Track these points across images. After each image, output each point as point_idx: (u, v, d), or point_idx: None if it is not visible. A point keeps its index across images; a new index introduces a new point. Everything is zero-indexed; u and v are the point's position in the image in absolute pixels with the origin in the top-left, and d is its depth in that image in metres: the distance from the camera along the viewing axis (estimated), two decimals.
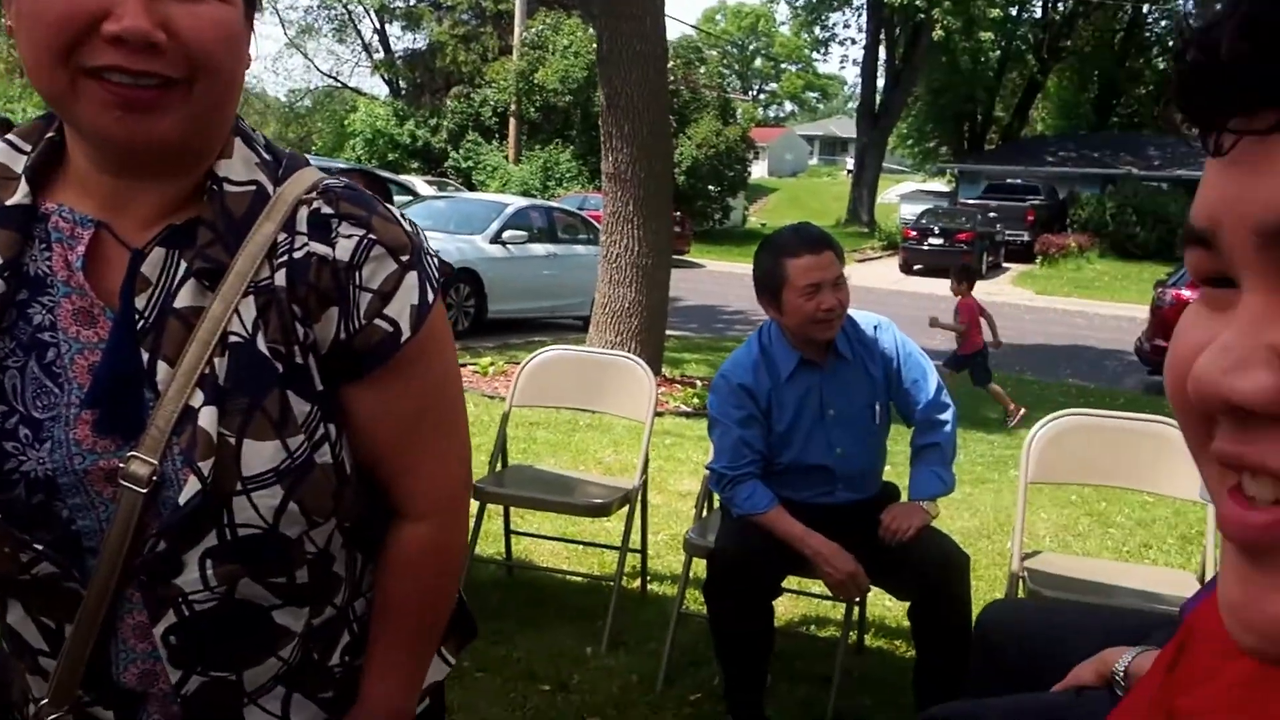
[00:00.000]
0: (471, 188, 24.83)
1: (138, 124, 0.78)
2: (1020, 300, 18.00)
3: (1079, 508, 5.11)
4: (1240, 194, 0.35)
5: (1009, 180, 25.83)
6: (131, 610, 0.87)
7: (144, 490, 0.82)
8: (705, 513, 3.23)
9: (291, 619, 0.92)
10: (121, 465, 0.83)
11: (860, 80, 31.72)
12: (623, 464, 4.99)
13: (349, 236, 0.87)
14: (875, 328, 2.71)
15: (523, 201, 12.50)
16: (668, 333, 8.51)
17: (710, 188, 25.68)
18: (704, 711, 2.79)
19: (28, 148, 0.88)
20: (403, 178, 19.08)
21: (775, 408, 2.61)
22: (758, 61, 68.17)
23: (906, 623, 2.67)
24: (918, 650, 2.61)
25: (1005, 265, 23.30)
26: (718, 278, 18.78)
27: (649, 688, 2.90)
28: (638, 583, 3.65)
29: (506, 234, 10.79)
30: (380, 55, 33.99)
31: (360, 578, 1.00)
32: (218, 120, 0.85)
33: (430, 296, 0.91)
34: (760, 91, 71.21)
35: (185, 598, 0.86)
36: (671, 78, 23.91)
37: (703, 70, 29.57)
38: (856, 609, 3.09)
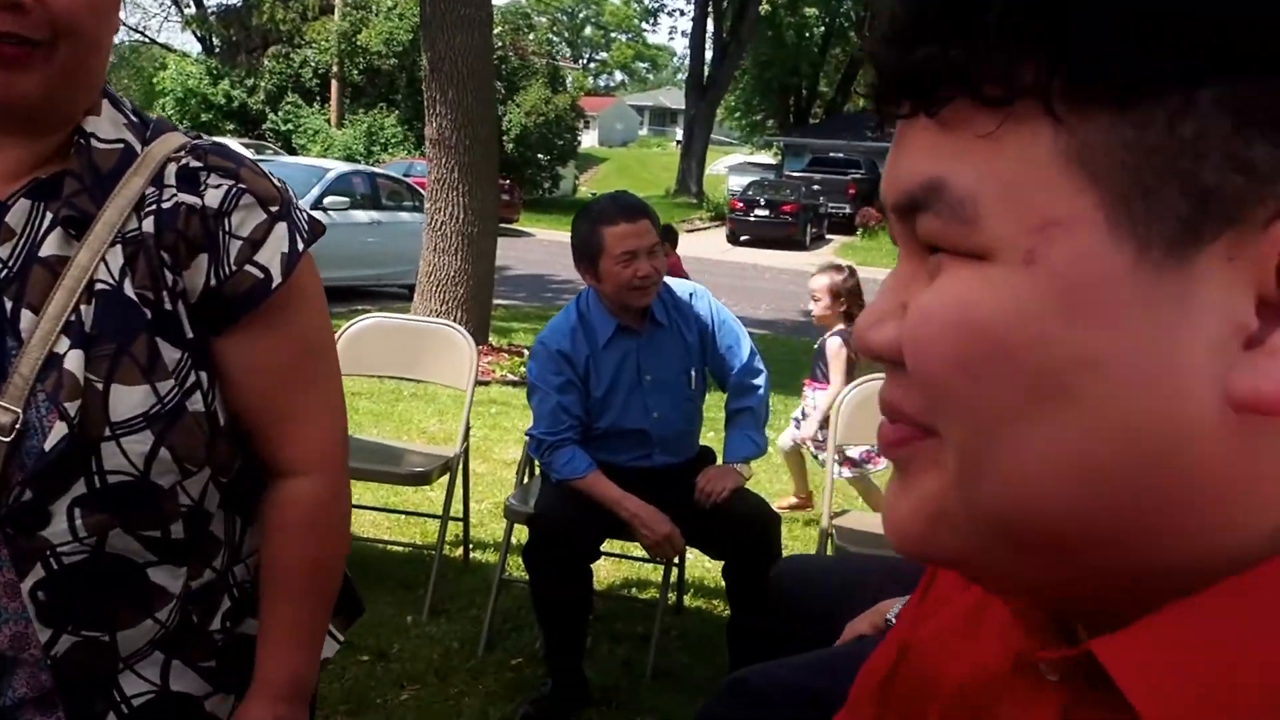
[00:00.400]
0: (292, 152, 23.83)
1: (1, 80, 0.79)
2: None
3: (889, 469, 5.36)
4: (888, 174, 0.39)
5: (832, 154, 26.71)
6: (1, 567, 0.84)
7: (7, 439, 0.80)
8: (526, 479, 3.24)
9: (168, 578, 0.91)
10: None
11: (689, 52, 32.10)
12: (446, 433, 4.94)
13: (217, 186, 0.88)
14: (690, 295, 2.77)
15: (345, 167, 12.10)
16: (495, 302, 8.44)
17: (539, 156, 25.47)
18: (525, 676, 2.81)
19: None
20: (219, 140, 18.07)
21: (593, 373, 2.64)
22: (587, 30, 67.97)
23: (723, 581, 2.76)
24: (731, 608, 2.71)
25: (828, 237, 24.12)
26: (547, 246, 18.68)
27: (470, 654, 2.90)
28: (460, 551, 3.63)
29: (328, 200, 10.42)
30: (191, 10, 31.99)
31: (240, 542, 0.99)
32: (83, 83, 0.85)
33: (300, 246, 0.92)
34: (590, 60, 71.12)
35: (53, 550, 0.84)
36: (499, 44, 23.65)
37: (531, 37, 29.25)
38: (675, 570, 3.17)
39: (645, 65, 77.00)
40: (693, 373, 2.74)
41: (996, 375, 0.35)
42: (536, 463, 2.94)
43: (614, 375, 2.65)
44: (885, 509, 0.41)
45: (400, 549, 3.68)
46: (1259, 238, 0.32)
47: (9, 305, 0.83)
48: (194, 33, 31.53)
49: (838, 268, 4.00)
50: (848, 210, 24.68)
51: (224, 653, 0.98)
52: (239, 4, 30.26)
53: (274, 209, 0.91)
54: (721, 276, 15.44)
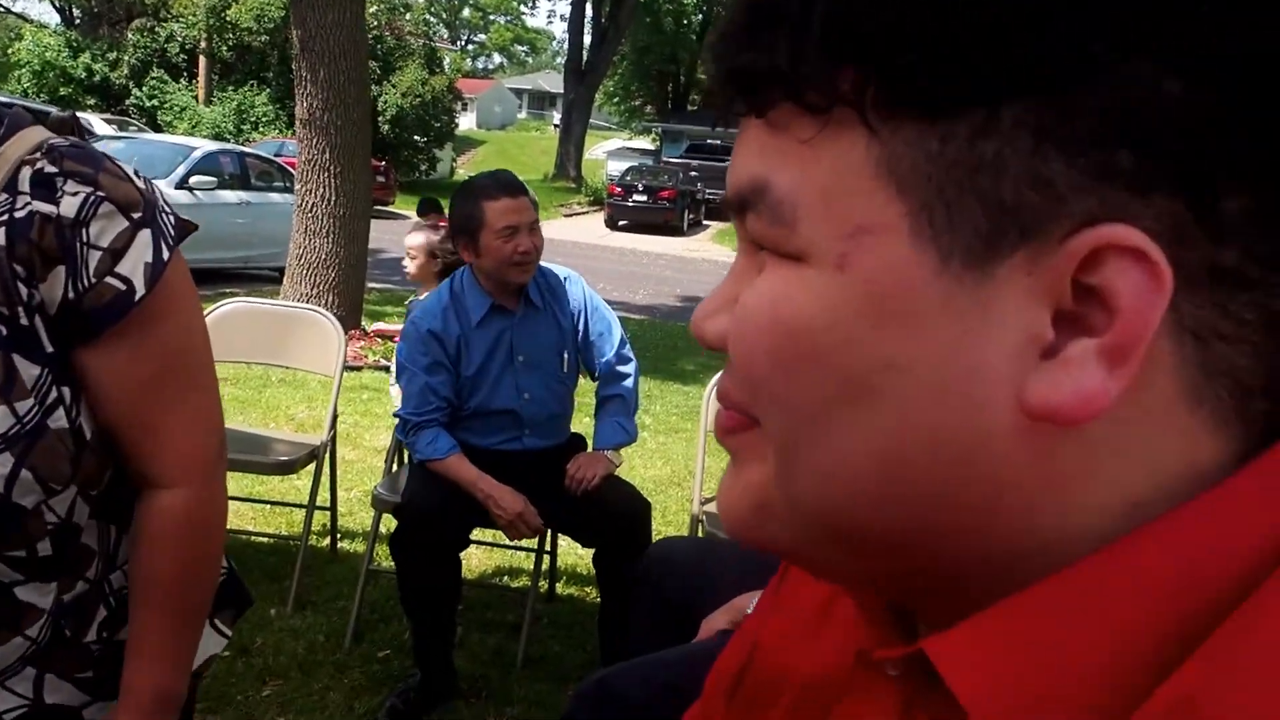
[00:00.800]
0: (157, 129, 22.75)
1: None
2: (719, 256, 18.82)
3: None
4: (729, 170, 0.40)
5: (710, 140, 26.94)
6: None
7: None
8: (395, 467, 3.14)
9: (37, 595, 0.88)
10: None
11: (568, 36, 31.89)
12: (315, 420, 4.77)
13: (74, 194, 0.83)
14: (565, 279, 2.74)
15: (212, 145, 11.56)
16: (369, 285, 8.22)
17: (416, 138, 24.96)
18: (393, 668, 2.72)
19: None
20: (80, 115, 17.12)
21: (464, 353, 2.59)
22: (466, 11, 66.80)
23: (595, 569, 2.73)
24: (601, 595, 2.68)
25: (706, 223, 24.35)
26: None
27: (336, 647, 2.80)
28: (328, 541, 3.51)
29: (194, 179, 9.97)
30: None
31: (115, 549, 0.96)
32: None
33: (165, 254, 0.87)
34: (469, 42, 69.99)
35: None
36: (374, 23, 23.05)
37: (408, 17, 28.58)
38: (547, 558, 3.13)
39: (524, 48, 76.17)
40: (565, 355, 2.70)
41: (807, 374, 0.36)
42: (406, 450, 2.85)
43: (486, 354, 2.60)
44: (718, 497, 0.43)
45: (265, 540, 3.53)
46: (1056, 252, 0.32)
47: None
48: (53, 3, 29.85)
49: (434, 226, 3.92)
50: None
51: (101, 662, 0.95)
52: None
53: (136, 215, 0.85)
54: (600, 261, 15.42)
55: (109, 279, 0.84)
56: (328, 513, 3.48)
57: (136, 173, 0.90)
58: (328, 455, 3.31)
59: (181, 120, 24.25)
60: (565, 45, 35.76)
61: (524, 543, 3.39)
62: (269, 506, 3.77)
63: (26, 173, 0.83)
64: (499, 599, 3.20)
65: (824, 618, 0.50)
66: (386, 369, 6.65)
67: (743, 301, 0.39)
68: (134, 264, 0.85)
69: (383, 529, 3.02)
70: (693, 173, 24.44)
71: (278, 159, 12.81)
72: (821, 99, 0.34)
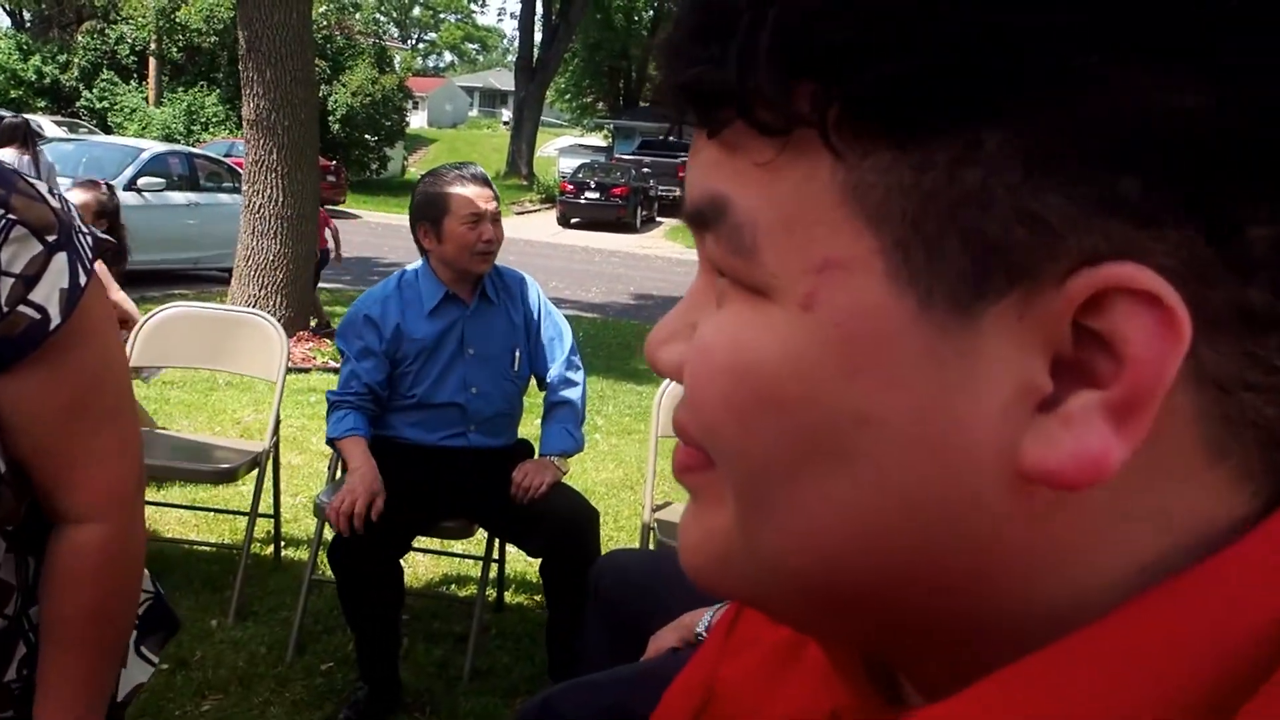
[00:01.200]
0: (107, 130, 22.26)
1: None
2: (672, 254, 18.72)
3: None
4: (686, 179, 0.35)
5: (662, 137, 26.79)
6: None
7: None
8: (339, 474, 3.01)
9: None
10: None
11: (518, 33, 31.59)
12: (262, 424, 4.60)
13: None
14: (521, 281, 2.70)
15: (160, 147, 11.29)
16: (320, 285, 8.03)
17: (367, 137, 24.62)
18: (335, 681, 2.60)
19: None
20: (29, 118, 16.74)
21: (406, 340, 2.52)
22: (416, 10, 66.03)
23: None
24: (549, 606, 2.57)
25: (659, 219, 24.21)
26: (374, 229, 18.04)
27: (278, 659, 2.67)
28: (271, 549, 3.37)
29: (142, 181, 9.74)
30: None
31: (33, 583, 0.91)
32: None
33: (83, 279, 0.83)
34: (419, 41, 69.25)
35: None
36: (324, 23, 22.68)
37: (358, 16, 28.19)
38: (495, 566, 3.02)
39: (475, 46, 75.50)
40: (517, 353, 2.63)
41: (769, 426, 0.32)
42: None
43: (435, 343, 2.53)
44: (679, 534, 0.38)
45: (207, 548, 3.39)
46: (1053, 294, 0.28)
47: None
48: (3, 6, 29.10)
49: (96, 184, 3.82)
50: (678, 193, 24.58)
51: (20, 700, 0.91)
52: None
53: (50, 239, 0.81)
54: (552, 259, 15.27)
55: (22, 307, 0.80)
56: (271, 521, 3.34)
57: (51, 191, 0.84)
58: (270, 462, 3.17)
59: (132, 122, 23.78)
60: (515, 43, 35.47)
61: (471, 550, 3.31)
62: (211, 514, 3.61)
63: None
64: (446, 609, 3.08)
65: (792, 660, 0.45)
66: (336, 371, 6.49)
67: (700, 335, 0.34)
68: (49, 290, 0.81)
69: (326, 536, 2.89)
70: (645, 169, 24.28)
71: (227, 160, 12.52)
72: (776, 119, 0.30)
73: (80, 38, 25.72)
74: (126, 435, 0.92)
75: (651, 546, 2.69)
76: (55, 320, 0.81)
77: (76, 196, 3.62)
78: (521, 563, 3.39)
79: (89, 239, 0.85)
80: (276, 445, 3.26)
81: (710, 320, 0.34)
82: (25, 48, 25.68)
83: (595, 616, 1.87)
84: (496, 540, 2.79)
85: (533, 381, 2.75)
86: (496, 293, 2.62)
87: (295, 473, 4.17)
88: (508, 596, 3.22)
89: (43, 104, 24.44)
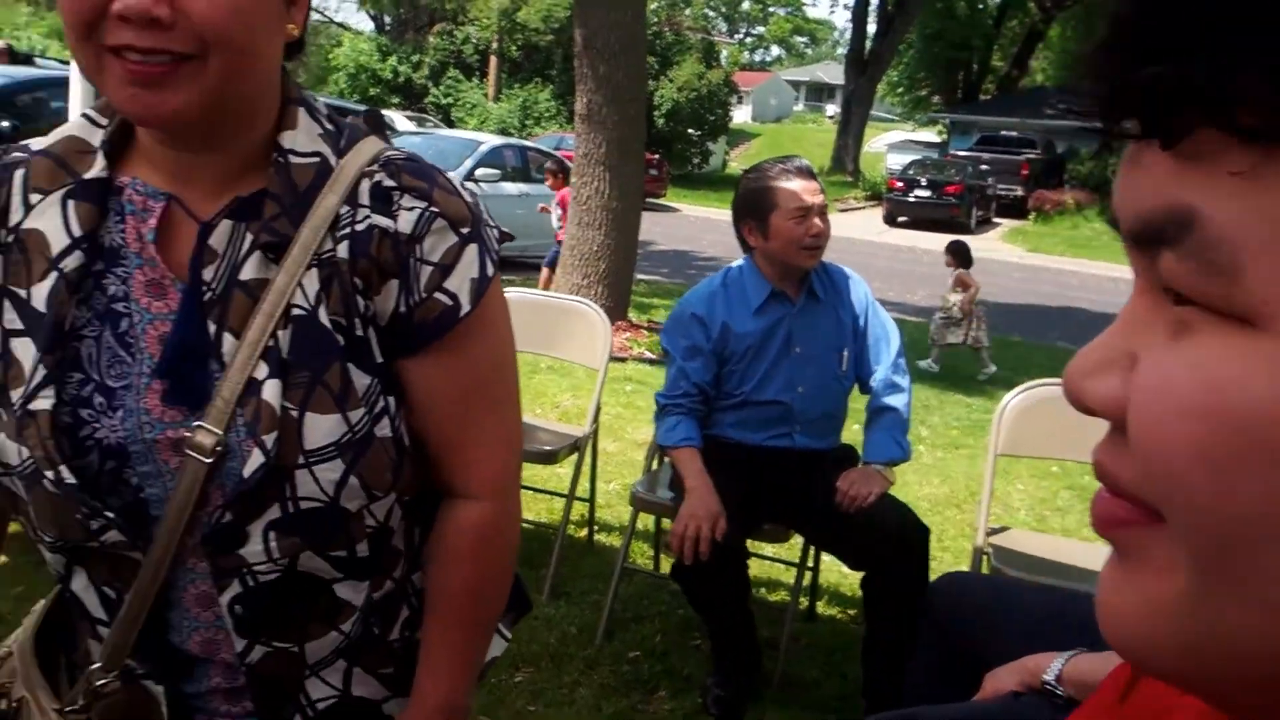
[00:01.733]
0: (450, 124, 24.53)
1: (151, 99, 0.78)
2: (1010, 257, 17.74)
3: (1060, 480, 4.90)
4: (1120, 189, 0.33)
5: (1004, 132, 25.46)
6: (195, 580, 0.89)
7: (208, 460, 0.83)
8: (655, 465, 3.11)
9: (352, 592, 0.93)
10: (188, 435, 0.84)
11: (850, 25, 31.26)
12: (580, 409, 4.87)
13: (410, 209, 0.88)
14: (849, 278, 2.67)
15: (497, 140, 12.29)
16: (637, 277, 8.38)
17: (690, 131, 25.40)
18: (641, 671, 2.69)
19: (104, 121, 0.90)
20: (384, 113, 18.93)
21: (733, 338, 2.54)
22: (745, 4, 67.18)
23: (860, 592, 2.57)
24: (868, 622, 2.50)
25: (996, 220, 23.04)
26: (693, 222, 18.56)
27: (587, 641, 2.81)
28: (585, 533, 3.55)
29: (480, 172, 10.63)
30: None
31: (418, 550, 1.00)
32: (245, 93, 0.84)
33: (490, 270, 0.91)
34: (747, 35, 70.40)
35: (249, 568, 0.88)
36: (654, 19, 23.67)
37: (687, 12, 29.13)
38: (809, 575, 2.99)
39: (804, 39, 75.63)
40: (845, 353, 2.60)
41: (1257, 479, 0.28)
42: None
43: (761, 341, 2.54)
44: (1100, 595, 0.34)
45: (526, 525, 3.61)
46: None
47: (213, 328, 0.86)
48: (368, 12, 33.01)
49: None
50: (1019, 192, 23.40)
51: (402, 659, 1.01)
52: None
53: (465, 230, 0.89)
54: (876, 258, 14.99)
55: (438, 294, 0.88)
56: (586, 504, 3.51)
57: (463, 186, 0.93)
58: (589, 447, 3.34)
59: (472, 116, 26.08)
60: (847, 35, 35.11)
61: (784, 555, 3.30)
62: (530, 493, 3.86)
63: (365, 185, 0.88)
64: (755, 613, 3.09)
65: None
66: (652, 361, 6.74)
67: (1158, 371, 0.31)
68: (461, 280, 0.89)
69: (640, 525, 3.00)
70: (983, 166, 23.16)
71: (557, 152, 13.38)
72: (1267, 123, 0.27)
73: (431, 39, 28.64)
74: (512, 423, 1.00)
75: (985, 571, 2.55)
76: (465, 308, 0.89)
77: None
78: (835, 573, 3.34)
79: (495, 231, 0.93)
80: (596, 431, 3.42)
81: (1166, 353, 0.31)
82: (384, 49, 28.98)
83: (927, 640, 1.79)
84: (812, 547, 2.76)
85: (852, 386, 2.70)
86: (824, 290, 2.60)
87: (609, 459, 4.36)
88: (820, 607, 3.19)
89: (396, 100, 27.38)
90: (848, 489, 2.42)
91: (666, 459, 2.86)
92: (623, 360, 6.56)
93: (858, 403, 2.70)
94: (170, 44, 0.77)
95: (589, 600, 3.04)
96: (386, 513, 0.92)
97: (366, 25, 33.86)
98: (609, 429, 4.77)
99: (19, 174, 0.89)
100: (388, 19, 31.89)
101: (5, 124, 7.20)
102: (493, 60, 27.09)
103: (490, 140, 11.93)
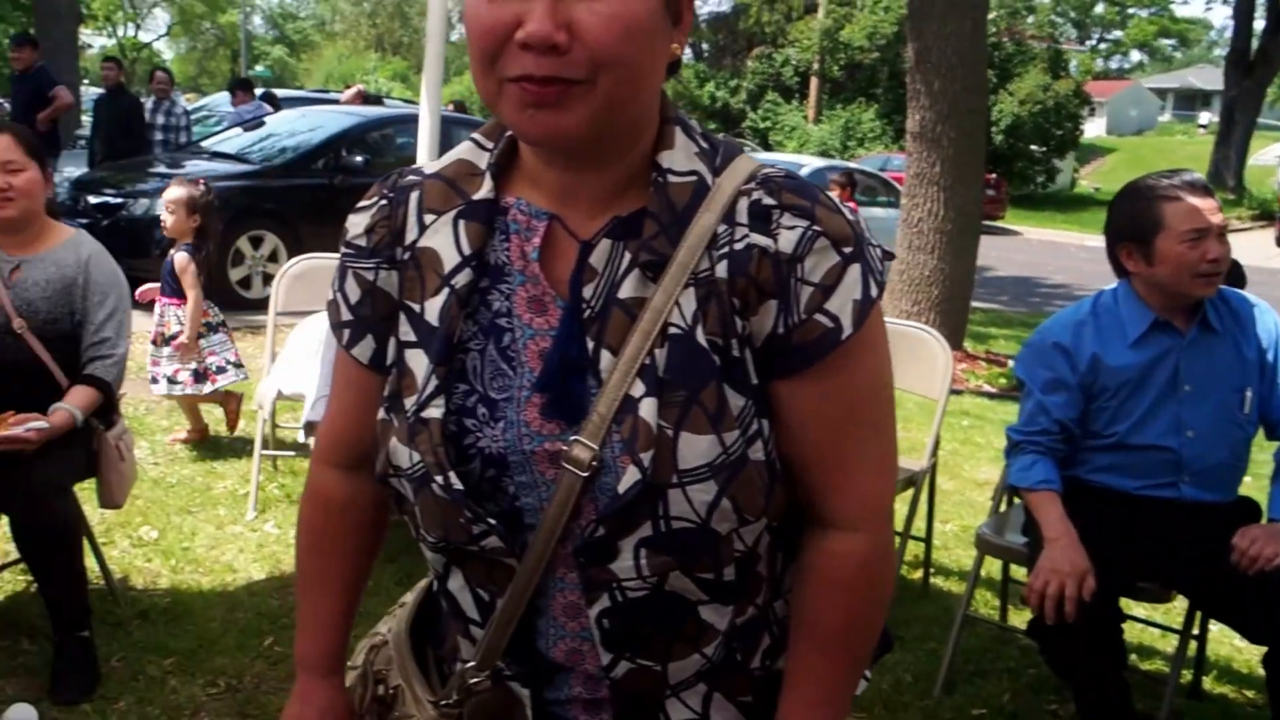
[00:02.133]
0: (767, 148, 24.95)
1: (546, 119, 0.85)
2: None
3: None
4: None
5: None
6: (564, 589, 0.94)
7: (584, 474, 0.88)
8: (1003, 506, 2.96)
9: (716, 616, 0.96)
10: (564, 448, 0.89)
11: (1232, 22, 28.63)
12: (911, 443, 4.73)
13: (791, 228, 0.89)
14: (1253, 306, 2.42)
15: (819, 162, 12.36)
16: (973, 305, 8.07)
17: (1033, 148, 24.31)
18: None
19: (490, 145, 0.99)
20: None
21: (1106, 372, 2.36)
22: (1099, 7, 63.36)
23: (1261, 670, 2.31)
24: (1273, 708, 2.23)
25: None
26: (1036, 246, 17.62)
27: (924, 691, 2.71)
28: (919, 574, 3.43)
29: None
30: None
31: (780, 577, 1.02)
32: (632, 112, 0.89)
33: (873, 291, 0.91)
34: (1100, 40, 66.31)
35: (619, 583, 0.92)
36: (992, 29, 22.88)
37: (1030, 20, 27.92)
38: (1194, 644, 2.71)
39: (1171, 42, 70.18)
40: (1248, 393, 2.35)
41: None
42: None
43: (1140, 377, 2.35)
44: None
45: None
46: None
47: (591, 345, 0.91)
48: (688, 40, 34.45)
49: (194, 181, 4.36)
50: None
51: (762, 688, 1.02)
52: (728, 11, 32.50)
53: (847, 250, 0.90)
54: (1267, 287, 13.52)
55: (818, 315, 0.89)
56: (922, 544, 3.40)
57: (841, 203, 0.94)
58: (926, 483, 3.23)
59: (791, 139, 26.39)
60: (1226, 34, 32.15)
61: (1165, 618, 3.03)
62: None
63: (744, 204, 0.90)
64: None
65: None
66: (991, 395, 6.46)
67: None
68: (843, 301, 0.89)
69: (983, 572, 2.86)
70: None
71: (883, 173, 13.22)
72: None
73: (750, 63, 29.32)
74: (889, 449, 0.99)
75: None
76: (847, 330, 0.89)
77: (173, 192, 4.25)
78: (1228, 645, 3.02)
79: (878, 250, 0.93)
80: (934, 466, 3.31)
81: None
82: (702, 76, 30.01)
83: None
84: (1199, 613, 2.51)
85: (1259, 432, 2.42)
86: (1221, 320, 2.37)
87: (946, 498, 4.21)
88: (1207, 683, 2.89)
89: (713, 126, 28.22)
90: (1248, 548, 2.17)
91: (1017, 500, 2.71)
92: (958, 393, 6.32)
93: (1264, 451, 2.44)
94: (564, 71, 0.83)
95: (925, 648, 2.93)
96: (755, 538, 0.94)
97: (684, 53, 35.40)
98: (945, 466, 4.60)
99: (414, 196, 0.98)
100: (706, 46, 33.03)
101: (358, 158, 8.15)
102: (813, 81, 27.33)
103: (813, 162, 12.01)
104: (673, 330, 0.89)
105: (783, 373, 0.91)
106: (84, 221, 6.17)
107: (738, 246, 0.89)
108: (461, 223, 0.95)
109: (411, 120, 8.77)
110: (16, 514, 2.48)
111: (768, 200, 0.90)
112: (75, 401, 2.56)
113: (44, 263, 2.64)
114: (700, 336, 0.89)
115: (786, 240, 0.88)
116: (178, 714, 2.43)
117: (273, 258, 7.48)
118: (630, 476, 0.86)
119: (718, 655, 0.98)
